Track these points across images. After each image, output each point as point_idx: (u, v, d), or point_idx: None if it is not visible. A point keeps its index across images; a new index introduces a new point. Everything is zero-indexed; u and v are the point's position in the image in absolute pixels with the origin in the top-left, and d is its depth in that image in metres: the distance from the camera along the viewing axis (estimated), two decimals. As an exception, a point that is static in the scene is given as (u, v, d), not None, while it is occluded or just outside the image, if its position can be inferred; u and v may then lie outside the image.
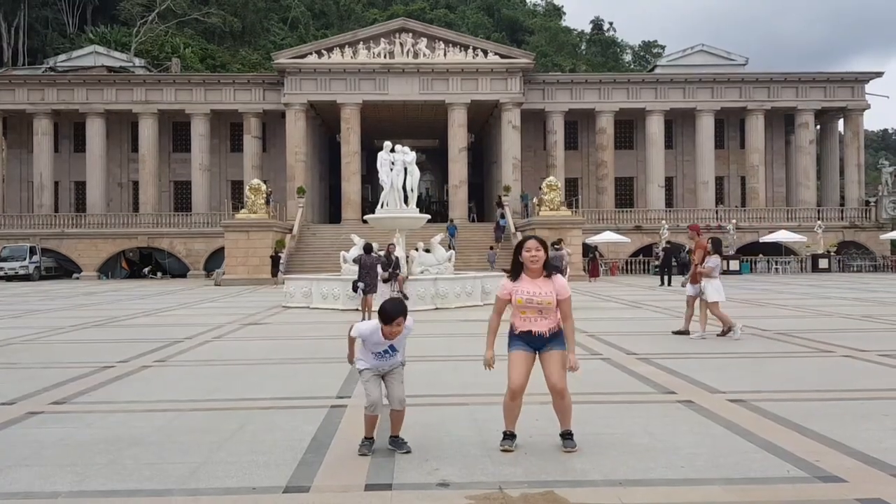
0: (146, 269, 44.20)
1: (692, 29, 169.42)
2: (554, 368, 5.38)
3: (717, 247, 12.31)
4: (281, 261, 34.37)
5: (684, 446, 5.49)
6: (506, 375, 5.43)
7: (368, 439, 5.43)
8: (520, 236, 38.71)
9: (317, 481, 4.78)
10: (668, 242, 38.08)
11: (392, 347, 5.45)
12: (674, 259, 32.72)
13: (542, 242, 5.49)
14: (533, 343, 5.41)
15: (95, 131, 46.07)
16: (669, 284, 29.61)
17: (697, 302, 12.43)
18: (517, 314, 5.47)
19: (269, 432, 6.06)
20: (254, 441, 5.78)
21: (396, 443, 5.46)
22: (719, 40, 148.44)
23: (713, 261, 12.02)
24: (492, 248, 36.87)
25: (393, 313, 5.30)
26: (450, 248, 22.28)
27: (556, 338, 5.41)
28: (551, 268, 5.48)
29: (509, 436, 5.51)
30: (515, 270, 5.53)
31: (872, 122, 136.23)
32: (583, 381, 8.25)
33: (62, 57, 51.98)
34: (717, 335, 12.10)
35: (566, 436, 5.48)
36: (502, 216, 42.32)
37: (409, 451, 5.35)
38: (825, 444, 5.54)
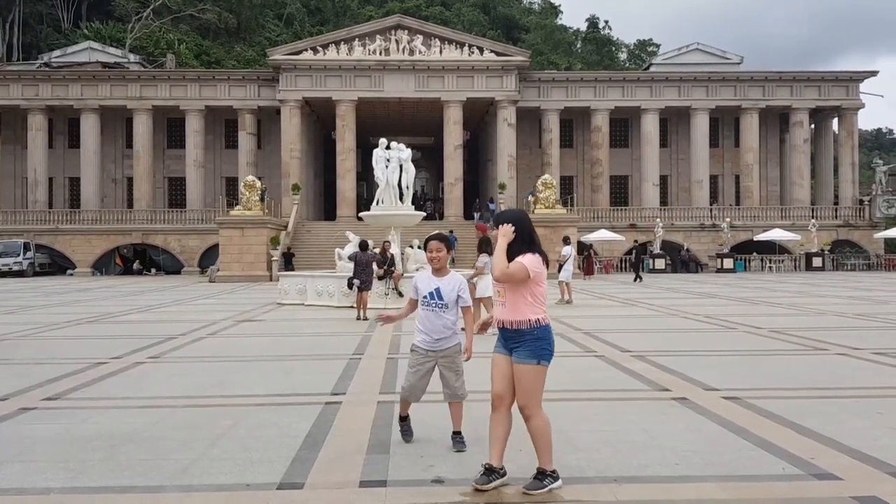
0: (134, 264, 43.98)
1: (687, 28, 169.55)
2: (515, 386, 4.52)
3: (484, 247, 12.82)
4: (274, 258, 34.20)
5: (679, 443, 5.49)
6: None
7: (403, 419, 5.60)
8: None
9: (311, 478, 4.76)
10: (635, 241, 39.70)
11: (439, 293, 5.38)
12: (669, 257, 33.13)
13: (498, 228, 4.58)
14: (505, 340, 4.58)
15: (90, 127, 45.89)
16: (639, 279, 31.27)
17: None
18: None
19: (263, 429, 6.03)
20: (248, 438, 5.76)
21: (455, 439, 5.46)
22: (715, 39, 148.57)
23: (481, 259, 12.59)
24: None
25: (430, 238, 5.53)
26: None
27: (522, 337, 4.45)
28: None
29: (487, 471, 4.43)
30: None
31: (866, 121, 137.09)
32: (578, 379, 8.28)
33: (57, 52, 51.73)
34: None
35: (537, 474, 4.45)
36: (492, 200, 43.81)
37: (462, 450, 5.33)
38: (820, 441, 5.54)
